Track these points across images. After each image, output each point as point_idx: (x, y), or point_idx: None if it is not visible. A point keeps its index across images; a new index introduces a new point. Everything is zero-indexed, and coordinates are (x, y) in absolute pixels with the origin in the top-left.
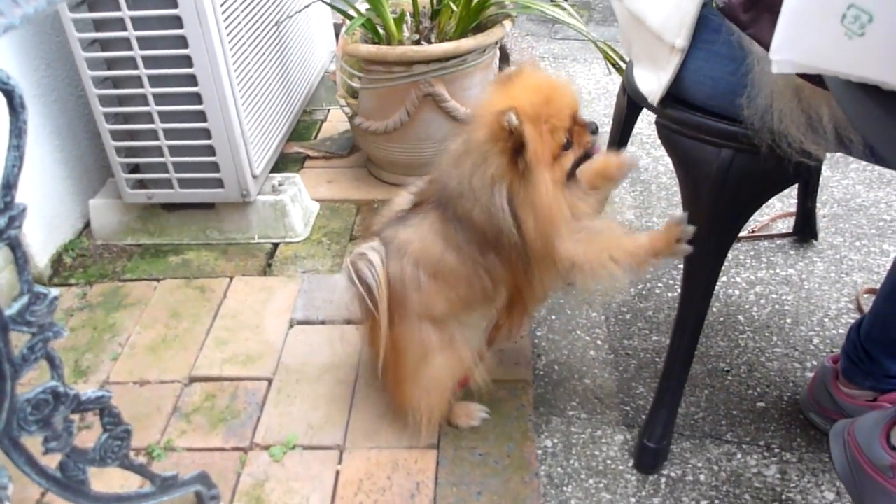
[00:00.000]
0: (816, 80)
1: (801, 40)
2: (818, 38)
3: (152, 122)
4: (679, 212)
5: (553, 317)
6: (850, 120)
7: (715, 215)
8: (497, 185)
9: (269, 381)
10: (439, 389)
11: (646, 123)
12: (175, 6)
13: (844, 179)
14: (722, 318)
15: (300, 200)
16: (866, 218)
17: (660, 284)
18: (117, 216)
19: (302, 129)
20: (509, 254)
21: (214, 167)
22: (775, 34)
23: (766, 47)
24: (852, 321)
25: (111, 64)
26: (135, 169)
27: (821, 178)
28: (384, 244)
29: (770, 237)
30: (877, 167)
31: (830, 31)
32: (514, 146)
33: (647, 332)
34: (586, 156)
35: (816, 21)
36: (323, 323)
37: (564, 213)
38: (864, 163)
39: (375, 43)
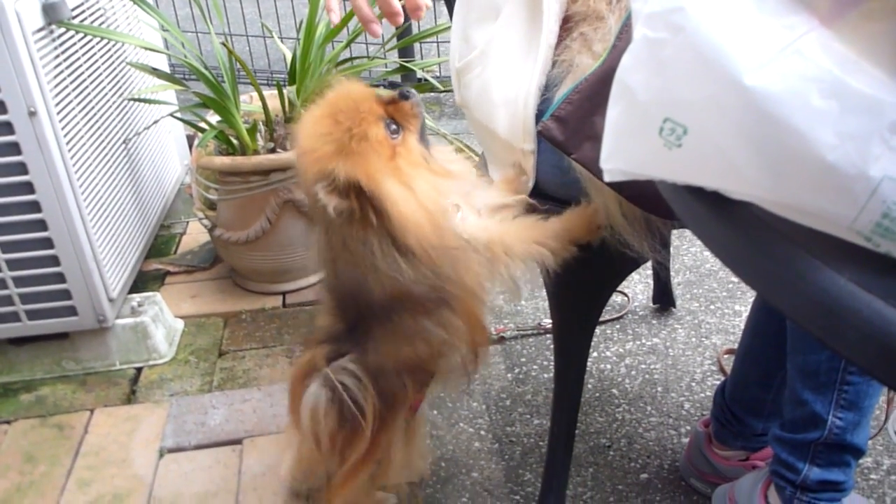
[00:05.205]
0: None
1: (625, 151)
2: (640, 149)
3: None
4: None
5: (435, 412)
6: (679, 216)
7: (578, 295)
8: (374, 241)
9: None
10: None
11: None
12: (12, 132)
13: (692, 247)
14: (597, 394)
15: (162, 320)
16: (717, 282)
17: (535, 367)
18: None
19: (161, 244)
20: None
21: (66, 295)
22: (603, 144)
23: (591, 170)
24: (717, 382)
25: None
26: None
27: (672, 249)
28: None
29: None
30: None
31: (650, 143)
32: (353, 194)
33: (528, 416)
34: (423, 122)
35: (637, 133)
36: (196, 448)
37: (441, 200)
38: None
39: (229, 154)
